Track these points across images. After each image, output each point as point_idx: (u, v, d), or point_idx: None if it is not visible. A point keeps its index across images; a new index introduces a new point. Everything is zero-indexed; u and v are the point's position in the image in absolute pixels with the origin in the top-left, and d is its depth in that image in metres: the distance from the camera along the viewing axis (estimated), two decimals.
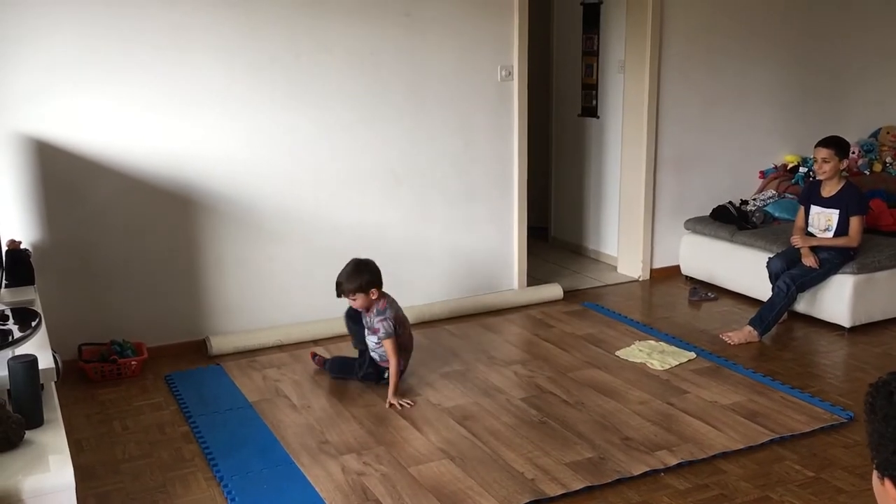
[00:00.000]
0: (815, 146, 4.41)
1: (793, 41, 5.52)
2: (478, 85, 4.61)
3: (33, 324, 2.83)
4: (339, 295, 3.63)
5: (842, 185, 4.38)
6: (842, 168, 4.37)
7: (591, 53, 5.64)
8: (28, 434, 2.33)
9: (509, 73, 4.67)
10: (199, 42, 3.94)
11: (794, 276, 4.30)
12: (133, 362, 3.89)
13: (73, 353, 3.88)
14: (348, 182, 4.41)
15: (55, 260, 3.85)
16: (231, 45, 4.01)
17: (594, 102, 5.68)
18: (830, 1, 5.59)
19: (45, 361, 2.53)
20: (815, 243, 4.35)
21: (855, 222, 4.32)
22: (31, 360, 2.39)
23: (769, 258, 4.50)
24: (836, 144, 4.34)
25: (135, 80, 3.86)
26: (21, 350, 2.55)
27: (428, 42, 4.45)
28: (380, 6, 4.30)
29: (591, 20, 5.60)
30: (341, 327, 3.98)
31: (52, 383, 2.62)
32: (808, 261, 4.29)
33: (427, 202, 4.62)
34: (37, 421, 2.40)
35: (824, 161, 4.32)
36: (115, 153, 3.90)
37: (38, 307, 3.07)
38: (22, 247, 3.50)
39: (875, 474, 1.11)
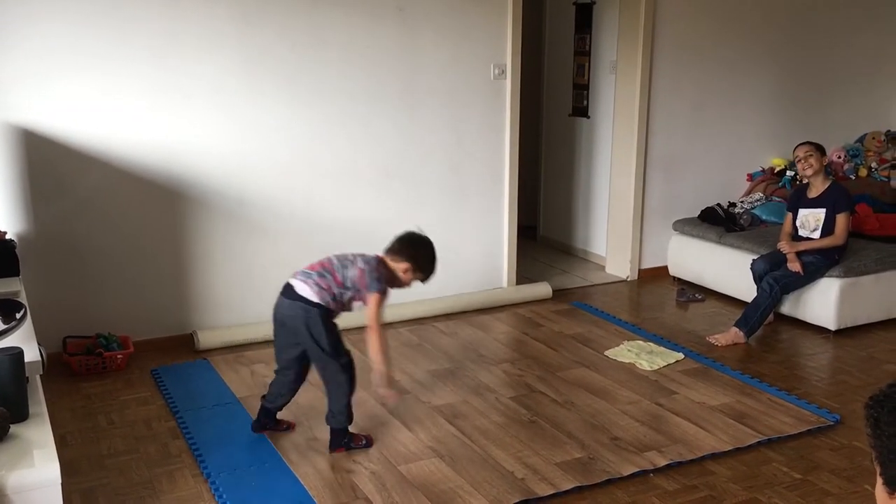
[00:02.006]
0: (794, 150, 4.51)
1: (782, 47, 5.55)
2: (470, 82, 4.60)
3: (18, 315, 2.78)
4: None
5: (828, 184, 4.43)
6: (825, 163, 4.42)
7: (583, 53, 5.64)
8: (13, 428, 2.29)
9: (502, 72, 4.66)
10: (192, 33, 3.90)
11: (778, 277, 4.33)
12: (119, 356, 3.85)
13: (57, 346, 3.83)
14: (339, 177, 4.38)
15: (41, 251, 3.80)
16: (224, 37, 3.97)
17: (585, 102, 5.69)
18: (820, 8, 5.63)
19: (31, 354, 2.49)
20: (802, 248, 4.38)
21: (841, 220, 4.35)
22: (18, 353, 2.35)
23: (753, 260, 4.54)
24: (811, 143, 4.44)
25: (125, 70, 3.81)
26: (6, 342, 2.51)
27: (421, 38, 4.42)
28: (374, 0, 4.27)
29: (584, 20, 5.60)
30: None
31: (38, 377, 2.59)
32: (794, 266, 4.31)
33: (418, 199, 4.60)
34: (22, 415, 2.36)
35: (808, 155, 4.38)
36: (104, 144, 3.85)
37: (23, 299, 3.02)
38: (7, 237, 3.45)
39: (884, 489, 1.09)
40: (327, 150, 4.33)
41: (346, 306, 3.07)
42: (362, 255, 3.10)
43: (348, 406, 3.07)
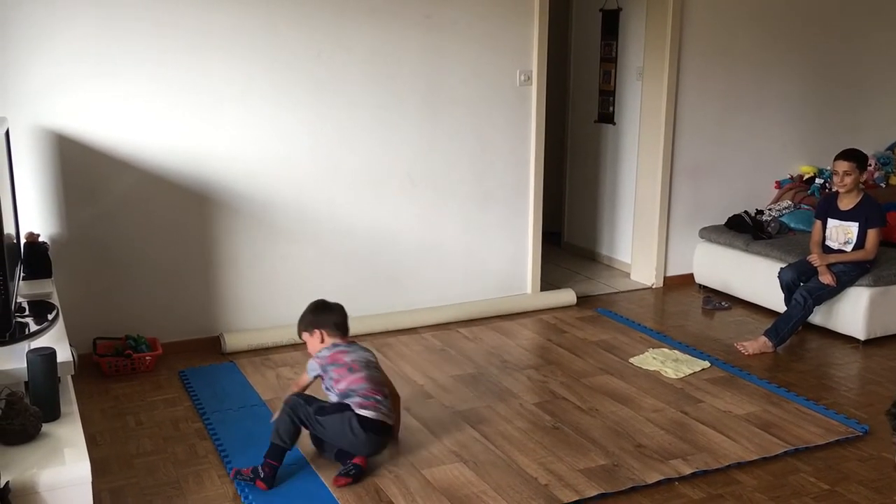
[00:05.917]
0: (835, 159, 4.39)
1: (812, 53, 5.50)
2: (496, 89, 4.61)
3: (50, 316, 2.84)
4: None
5: (860, 197, 4.36)
6: (861, 180, 4.35)
7: (610, 60, 5.63)
8: (45, 427, 2.33)
9: (528, 78, 4.66)
10: (220, 40, 3.96)
11: (811, 289, 4.27)
12: (147, 357, 3.90)
13: (87, 347, 3.89)
14: (364, 182, 4.42)
15: (72, 253, 3.87)
16: (252, 44, 4.02)
17: (611, 109, 5.67)
18: (850, 13, 5.57)
19: (63, 355, 2.54)
20: (832, 260, 4.33)
21: (872, 235, 4.29)
22: (50, 354, 2.40)
23: (781, 268, 4.48)
24: (856, 157, 4.33)
25: (155, 75, 3.87)
26: (38, 343, 2.56)
27: (448, 45, 4.45)
28: (401, 7, 4.30)
29: (610, 27, 5.59)
30: (355, 327, 3.96)
31: (69, 377, 2.63)
32: (826, 279, 4.25)
33: (442, 205, 4.62)
34: (54, 414, 2.41)
35: (846, 174, 4.30)
36: (134, 149, 3.91)
37: (55, 300, 3.08)
38: (40, 240, 3.52)
39: None
40: (352, 156, 4.36)
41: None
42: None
43: None
